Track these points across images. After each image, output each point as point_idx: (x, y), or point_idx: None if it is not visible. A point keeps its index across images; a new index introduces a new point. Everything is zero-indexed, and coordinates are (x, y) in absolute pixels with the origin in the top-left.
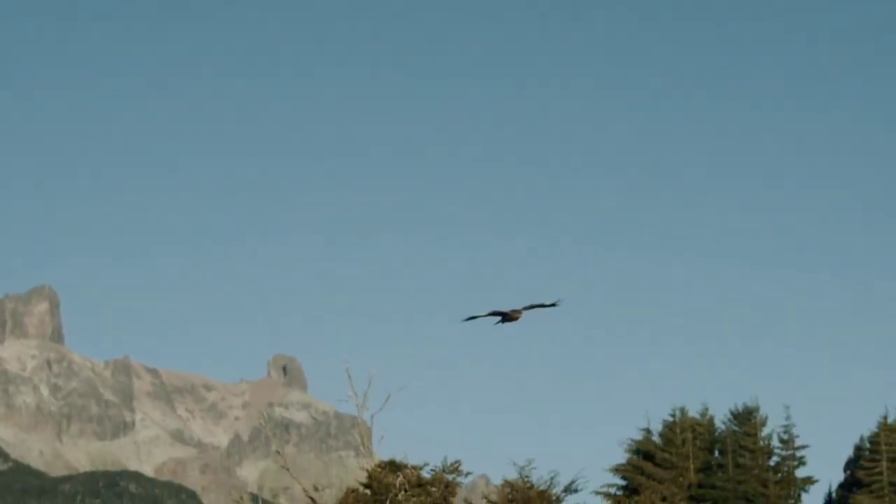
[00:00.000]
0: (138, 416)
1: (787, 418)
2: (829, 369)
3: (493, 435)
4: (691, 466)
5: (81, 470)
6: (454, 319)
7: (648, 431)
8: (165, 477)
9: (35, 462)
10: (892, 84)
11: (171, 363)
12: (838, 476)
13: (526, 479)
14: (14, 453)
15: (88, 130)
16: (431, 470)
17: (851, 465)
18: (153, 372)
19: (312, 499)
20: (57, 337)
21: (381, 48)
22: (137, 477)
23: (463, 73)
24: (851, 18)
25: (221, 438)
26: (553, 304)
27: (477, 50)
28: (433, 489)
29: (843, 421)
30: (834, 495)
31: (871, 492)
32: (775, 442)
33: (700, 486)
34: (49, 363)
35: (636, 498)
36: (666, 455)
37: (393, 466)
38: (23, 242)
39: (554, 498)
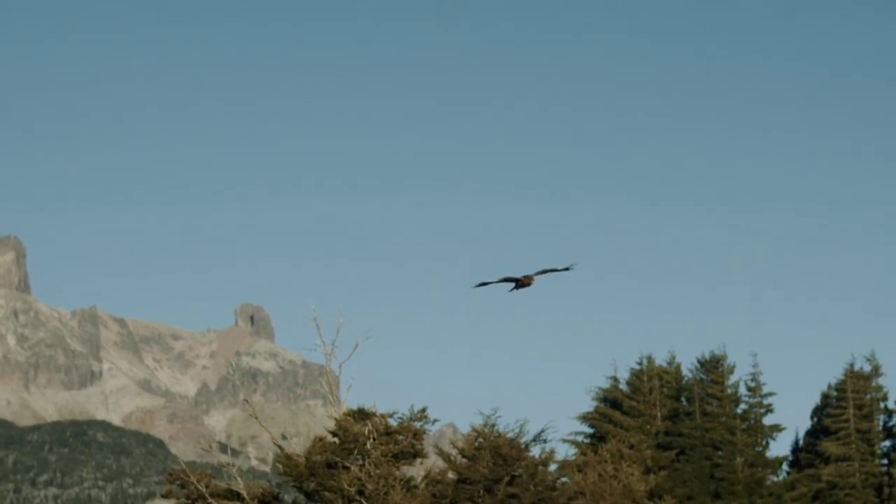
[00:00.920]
0: (105, 366)
1: (755, 366)
2: (797, 317)
3: (460, 383)
4: (658, 414)
5: (49, 420)
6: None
7: (615, 380)
8: (133, 426)
9: (2, 412)
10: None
11: (138, 313)
12: (805, 423)
13: (493, 427)
14: None
15: (52, 79)
16: (399, 418)
17: (819, 412)
18: (120, 322)
19: (280, 447)
20: (23, 287)
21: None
22: (105, 426)
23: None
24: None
25: (189, 388)
26: (566, 269)
27: None
28: (401, 437)
29: (811, 368)
30: (801, 442)
31: (839, 439)
32: (742, 390)
33: (667, 433)
34: (16, 313)
35: (603, 446)
36: (633, 403)
37: (361, 415)
38: None
39: (522, 446)
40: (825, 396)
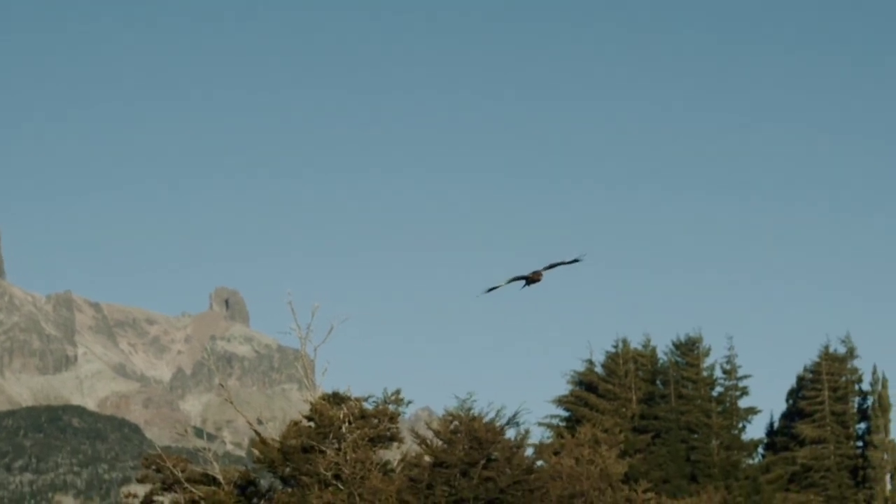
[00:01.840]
0: (80, 351)
1: (730, 349)
2: (772, 300)
3: (436, 367)
4: (634, 397)
5: (24, 405)
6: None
7: (591, 363)
8: (108, 411)
9: None
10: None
11: (113, 297)
12: (781, 406)
13: (468, 411)
14: None
15: (30, 63)
16: (374, 402)
17: (794, 394)
18: (95, 306)
19: (256, 431)
20: None
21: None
22: (80, 411)
23: None
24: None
25: (164, 372)
26: (575, 260)
27: None
28: (376, 421)
29: (786, 351)
30: (776, 425)
31: (814, 421)
32: (718, 372)
33: (643, 416)
34: None
35: (580, 429)
36: (609, 386)
37: (336, 399)
38: None
39: (498, 429)
40: (801, 379)
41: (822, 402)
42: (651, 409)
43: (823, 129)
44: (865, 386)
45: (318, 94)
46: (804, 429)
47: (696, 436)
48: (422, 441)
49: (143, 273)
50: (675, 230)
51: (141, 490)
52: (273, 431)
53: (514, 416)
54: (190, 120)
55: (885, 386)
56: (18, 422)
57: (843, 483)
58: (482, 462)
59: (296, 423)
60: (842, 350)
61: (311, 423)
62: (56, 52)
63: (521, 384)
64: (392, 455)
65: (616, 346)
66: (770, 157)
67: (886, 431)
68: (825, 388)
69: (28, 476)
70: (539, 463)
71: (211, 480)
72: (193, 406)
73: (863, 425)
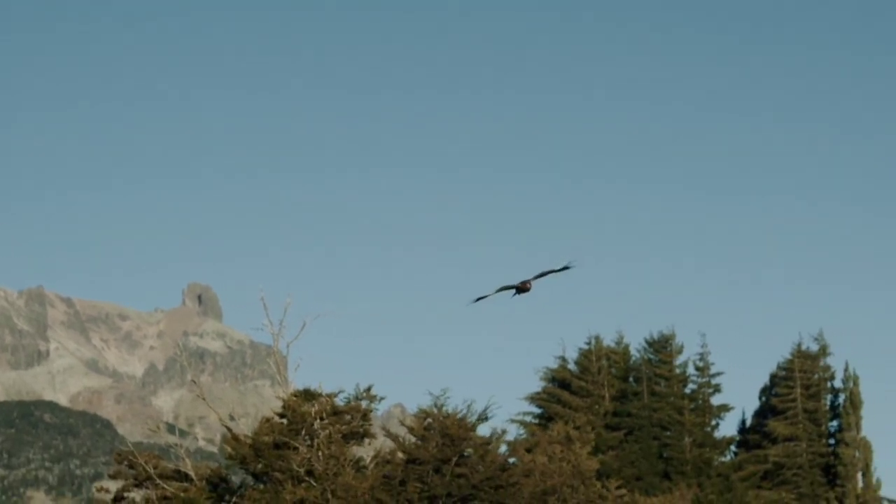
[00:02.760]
0: (53, 346)
1: (703, 346)
2: (746, 297)
3: (408, 364)
4: (607, 395)
5: None
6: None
7: (564, 360)
8: (80, 406)
9: None
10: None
11: (85, 292)
12: (754, 403)
13: (441, 408)
14: None
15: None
16: (346, 398)
17: (767, 392)
18: (67, 301)
19: (228, 428)
20: None
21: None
22: (52, 407)
23: None
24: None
25: (136, 368)
26: (565, 268)
27: None
28: (349, 417)
29: (760, 348)
30: (748, 422)
31: (786, 418)
32: (691, 369)
33: (615, 414)
34: None
35: (553, 426)
36: (582, 383)
37: (308, 395)
38: None
39: (470, 426)
40: (774, 376)
41: (794, 400)
42: (624, 406)
43: (794, 125)
44: (838, 383)
45: (293, 92)
46: (777, 426)
47: (668, 433)
48: (394, 438)
49: (115, 268)
50: (647, 227)
51: (113, 486)
52: (245, 428)
53: (485, 410)
54: (162, 117)
55: (856, 383)
56: None
57: (816, 481)
58: (455, 459)
59: (268, 420)
60: (814, 347)
61: (284, 420)
62: (33, 53)
63: (494, 381)
64: (365, 452)
65: (589, 343)
66: (742, 153)
67: (858, 429)
68: (798, 385)
69: None
70: (512, 460)
71: (183, 477)
72: (166, 402)
73: (835, 423)
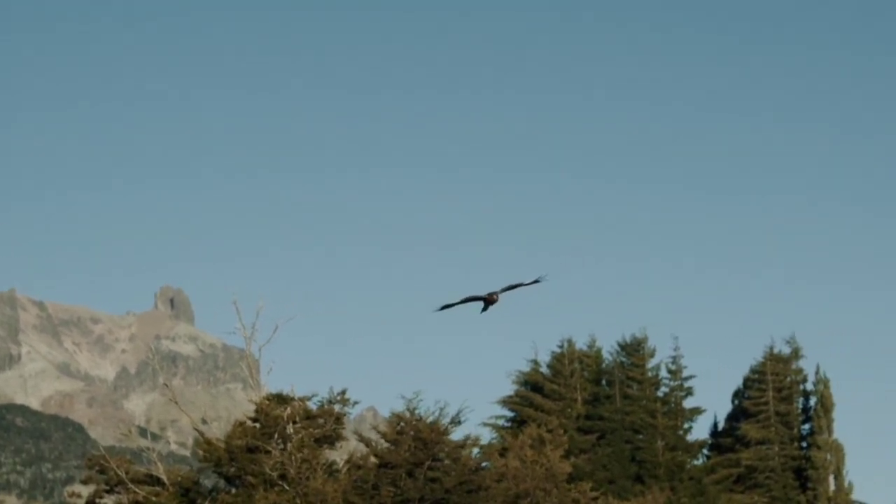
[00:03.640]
0: (24, 349)
1: (676, 349)
2: (718, 300)
3: (380, 367)
4: (579, 398)
5: None
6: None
7: (536, 363)
8: (52, 410)
9: None
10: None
11: (57, 296)
12: (726, 406)
13: (414, 411)
14: None
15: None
16: (319, 402)
17: (739, 395)
18: (39, 304)
19: (200, 432)
20: None
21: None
22: (23, 410)
23: None
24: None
25: (108, 371)
26: (535, 281)
27: None
28: (322, 421)
29: (732, 351)
30: (720, 426)
31: (758, 421)
32: (663, 373)
33: (588, 417)
34: None
35: (525, 430)
36: (554, 386)
37: (281, 399)
38: None
39: (442, 429)
40: (746, 379)
41: (766, 403)
42: (596, 410)
43: (786, 125)
44: (810, 386)
45: (265, 93)
46: (749, 429)
47: (640, 436)
48: (366, 442)
49: (87, 272)
50: (619, 229)
51: (85, 490)
52: (218, 431)
53: (458, 414)
54: (133, 120)
55: (826, 386)
56: None
57: (788, 484)
58: (428, 463)
59: (241, 424)
60: (787, 350)
61: (257, 424)
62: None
63: (466, 384)
64: (338, 455)
65: (561, 347)
66: (712, 154)
67: (830, 432)
68: (770, 388)
69: None
70: (485, 464)
71: (155, 481)
72: (138, 405)
73: (807, 426)
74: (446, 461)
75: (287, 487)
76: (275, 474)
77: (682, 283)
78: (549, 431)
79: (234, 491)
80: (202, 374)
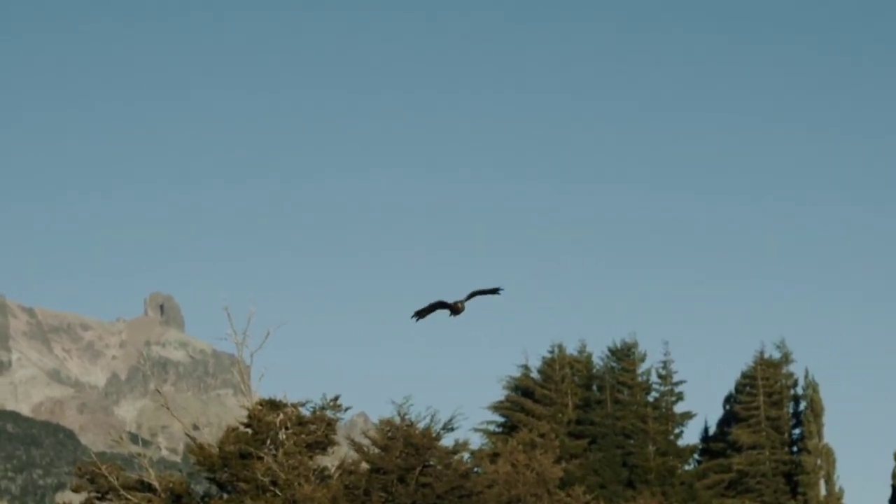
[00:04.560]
0: (14, 356)
1: (666, 354)
2: (708, 304)
3: (370, 372)
4: (570, 403)
5: None
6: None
7: (527, 368)
8: (43, 416)
9: None
10: None
11: (46, 302)
12: (717, 411)
13: (404, 417)
14: None
15: None
16: (311, 407)
17: (731, 399)
18: (29, 311)
19: (193, 438)
20: None
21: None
22: (14, 417)
23: None
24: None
25: (99, 377)
26: (494, 291)
27: None
28: (314, 427)
29: (723, 356)
30: (711, 430)
31: (749, 426)
32: (654, 378)
33: (579, 422)
34: None
35: (516, 435)
36: (545, 392)
37: (273, 405)
38: None
39: (434, 435)
40: (738, 384)
41: (757, 408)
42: (587, 415)
43: (770, 132)
44: (800, 391)
45: (253, 96)
46: (740, 434)
47: (632, 441)
48: (358, 447)
49: (77, 278)
50: (609, 233)
51: (76, 499)
52: (209, 437)
53: (450, 420)
54: (122, 127)
55: (815, 390)
56: None
57: (779, 489)
58: (419, 468)
59: (233, 430)
60: (777, 355)
61: (249, 430)
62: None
63: (457, 389)
64: (330, 461)
65: (552, 352)
66: (702, 158)
67: (820, 436)
68: (760, 393)
69: None
70: (476, 469)
71: (147, 487)
72: (128, 411)
73: (798, 430)
74: (438, 466)
75: (279, 493)
76: (267, 480)
77: (672, 288)
78: (542, 436)
79: (225, 497)
80: (192, 381)
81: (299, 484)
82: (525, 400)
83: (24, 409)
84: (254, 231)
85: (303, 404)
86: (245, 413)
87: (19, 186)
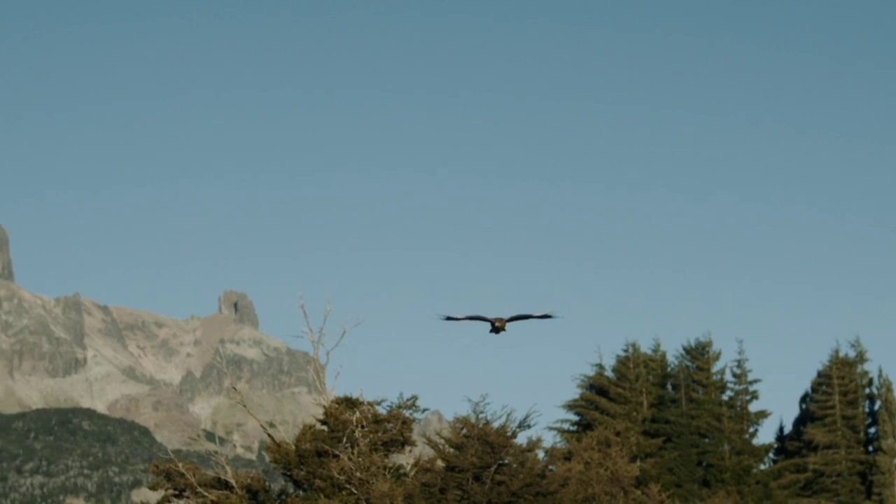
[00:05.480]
0: (90, 353)
1: (741, 352)
2: (783, 303)
3: (445, 372)
4: (644, 401)
5: (34, 407)
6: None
7: (601, 367)
8: (118, 414)
9: None
10: None
11: (121, 300)
12: (792, 409)
13: (480, 415)
14: None
15: (37, 69)
16: (388, 406)
17: (807, 398)
18: (104, 309)
19: (270, 435)
20: (7, 274)
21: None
22: (90, 414)
23: None
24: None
25: (173, 375)
26: (546, 316)
27: None
28: (389, 425)
29: (798, 355)
30: (787, 430)
31: (825, 425)
32: (728, 376)
33: (653, 420)
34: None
35: (590, 433)
36: (619, 390)
37: (349, 403)
38: None
39: (509, 433)
40: (814, 383)
41: (832, 407)
42: (662, 413)
43: (841, 137)
44: (874, 390)
45: (327, 96)
46: (815, 433)
47: (707, 440)
48: (434, 445)
49: (151, 276)
50: (684, 233)
51: (153, 496)
52: (284, 435)
53: (525, 418)
54: (197, 121)
55: (890, 389)
56: (29, 424)
57: (855, 489)
58: (494, 466)
59: (309, 427)
60: (852, 354)
61: (325, 427)
62: (67, 56)
63: (531, 388)
64: (405, 459)
65: (626, 351)
66: (778, 159)
67: (894, 436)
68: (836, 392)
69: (39, 479)
70: (550, 468)
71: (223, 485)
72: (203, 409)
73: (873, 430)
74: (513, 465)
75: (354, 491)
76: (343, 478)
77: (746, 287)
78: (617, 435)
79: (301, 494)
80: (266, 378)
81: (375, 482)
82: (599, 398)
83: (100, 407)
84: (328, 228)
85: (379, 403)
86: (321, 411)
87: (96, 186)
